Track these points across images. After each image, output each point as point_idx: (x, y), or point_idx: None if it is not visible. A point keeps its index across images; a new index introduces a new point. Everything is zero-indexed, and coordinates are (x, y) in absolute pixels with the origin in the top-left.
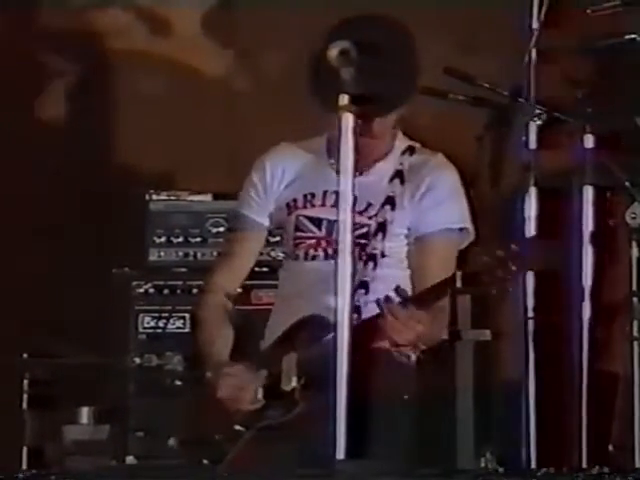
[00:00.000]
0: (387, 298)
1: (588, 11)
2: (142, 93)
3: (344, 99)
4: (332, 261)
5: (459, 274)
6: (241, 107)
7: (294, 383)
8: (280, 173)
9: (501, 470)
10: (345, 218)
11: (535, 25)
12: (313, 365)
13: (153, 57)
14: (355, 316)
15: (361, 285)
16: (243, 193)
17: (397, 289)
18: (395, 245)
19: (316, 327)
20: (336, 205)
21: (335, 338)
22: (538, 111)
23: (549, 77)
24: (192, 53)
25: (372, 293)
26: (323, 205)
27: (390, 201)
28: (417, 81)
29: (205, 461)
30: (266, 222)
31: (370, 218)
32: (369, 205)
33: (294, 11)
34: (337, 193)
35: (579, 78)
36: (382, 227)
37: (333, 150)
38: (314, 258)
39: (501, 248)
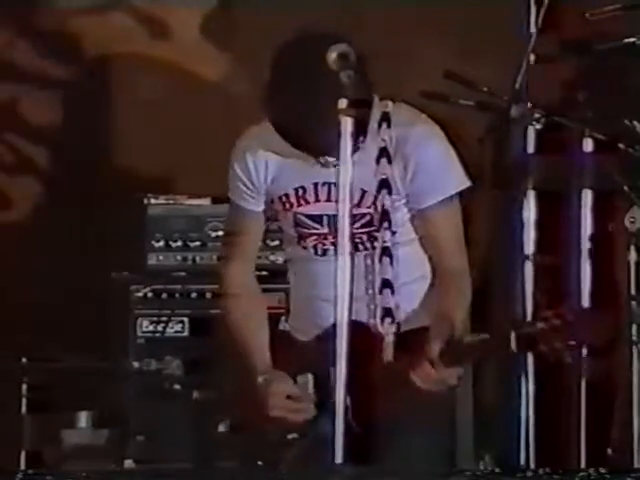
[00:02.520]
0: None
1: (587, 15)
2: (140, 97)
3: (343, 103)
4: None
5: (514, 335)
6: (240, 111)
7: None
8: (263, 167)
9: (498, 471)
10: (344, 225)
11: (533, 29)
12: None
13: (152, 61)
14: (389, 320)
15: (385, 284)
16: (231, 180)
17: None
18: (401, 226)
19: (356, 334)
20: (330, 198)
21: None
22: (537, 115)
23: (548, 81)
24: (191, 57)
25: (397, 294)
26: (317, 200)
27: (385, 184)
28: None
29: (260, 462)
30: (261, 208)
31: (369, 207)
32: (364, 193)
33: (292, 14)
34: (328, 185)
35: (578, 82)
36: (386, 215)
37: (312, 140)
38: (325, 253)
39: (557, 316)
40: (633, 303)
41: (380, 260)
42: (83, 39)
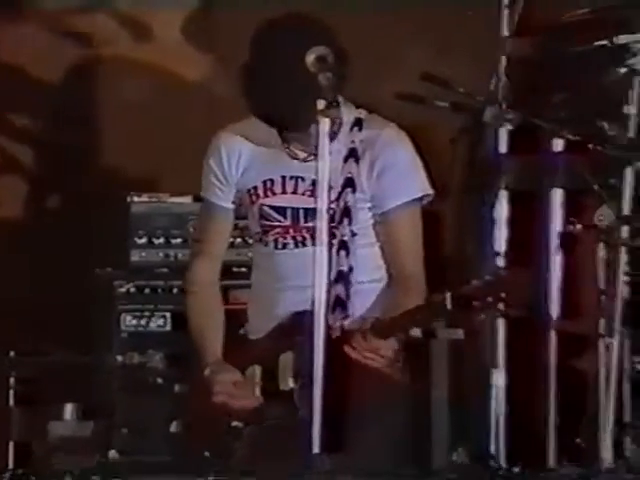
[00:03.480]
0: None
1: (562, 18)
2: (124, 98)
3: (321, 104)
4: (303, 249)
5: (449, 295)
6: (220, 111)
7: (292, 384)
8: (235, 159)
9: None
10: (322, 217)
11: (505, 33)
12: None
13: (135, 63)
14: (340, 310)
15: (340, 277)
16: (204, 177)
17: (363, 318)
18: (362, 225)
19: (307, 324)
20: (296, 191)
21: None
22: (510, 116)
23: (522, 82)
24: (173, 58)
25: (352, 282)
26: (284, 192)
27: (350, 183)
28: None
29: (206, 453)
30: (231, 205)
31: (332, 202)
32: (330, 189)
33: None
34: (295, 178)
35: (551, 83)
36: (347, 212)
37: (287, 137)
38: (285, 246)
39: (490, 273)
40: (603, 297)
41: (337, 253)
42: (68, 40)
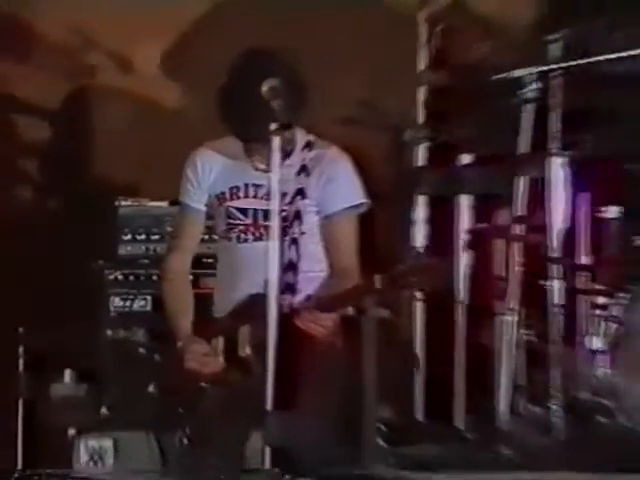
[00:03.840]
0: (302, 303)
1: (471, 51)
2: (112, 121)
3: (273, 125)
4: (260, 243)
5: (378, 277)
6: (192, 132)
7: (248, 351)
8: (208, 170)
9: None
10: (274, 216)
11: (422, 66)
12: (263, 335)
13: (120, 91)
14: (289, 292)
15: (290, 266)
16: (182, 184)
17: (308, 297)
18: (310, 226)
19: (261, 303)
20: (257, 196)
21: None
22: (427, 135)
23: (439, 106)
24: (152, 87)
25: (300, 271)
26: (247, 197)
27: (301, 192)
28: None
29: (180, 409)
30: (203, 208)
31: (286, 205)
32: (284, 195)
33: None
34: (256, 186)
35: (462, 107)
36: (298, 215)
37: (251, 151)
38: (245, 241)
39: (412, 260)
40: (502, 282)
41: (289, 247)
42: (65, 72)
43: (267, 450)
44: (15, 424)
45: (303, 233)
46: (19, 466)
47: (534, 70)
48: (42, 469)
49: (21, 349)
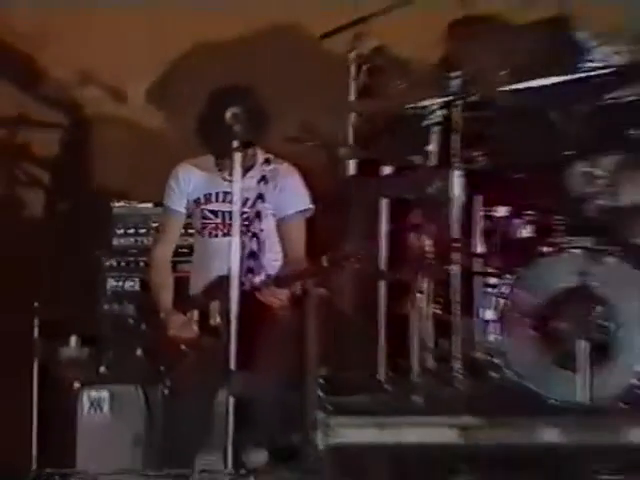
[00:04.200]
0: (263, 281)
1: (392, 87)
2: (108, 140)
3: (235, 144)
4: (227, 237)
5: (324, 257)
6: (171, 150)
7: (217, 320)
8: (188, 180)
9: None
10: (235, 212)
11: (352, 97)
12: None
13: (115, 117)
14: (251, 275)
15: (251, 254)
16: (166, 192)
17: (268, 276)
18: (268, 224)
19: (226, 283)
20: (225, 201)
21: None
22: (356, 153)
23: (363, 130)
24: (140, 114)
25: (260, 258)
26: (217, 201)
27: (261, 197)
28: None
29: (161, 367)
30: (183, 210)
31: (249, 208)
32: (247, 199)
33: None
34: (225, 193)
35: (384, 129)
36: (258, 215)
37: (220, 166)
38: (216, 236)
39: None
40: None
41: (250, 240)
42: (70, 103)
43: (231, 400)
44: (31, 381)
45: (262, 230)
46: (34, 466)
47: (439, 100)
48: (55, 419)
49: (36, 320)
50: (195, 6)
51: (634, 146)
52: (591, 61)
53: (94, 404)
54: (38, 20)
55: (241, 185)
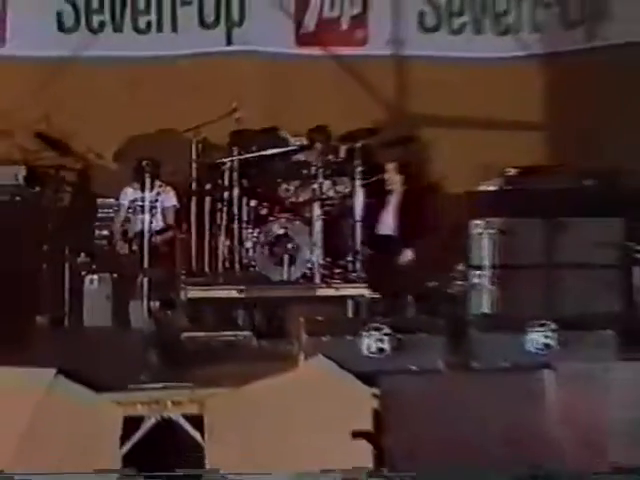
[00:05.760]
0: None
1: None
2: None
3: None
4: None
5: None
6: (119, 176)
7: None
8: (126, 195)
9: None
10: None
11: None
12: None
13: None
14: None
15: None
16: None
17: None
18: (161, 217)
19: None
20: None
21: None
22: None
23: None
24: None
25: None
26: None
27: (157, 201)
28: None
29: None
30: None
31: (151, 210)
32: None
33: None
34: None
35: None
36: (156, 211)
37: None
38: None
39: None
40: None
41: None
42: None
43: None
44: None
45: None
46: None
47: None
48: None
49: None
50: None
51: None
52: None
53: None
54: None
55: (149, 196)
